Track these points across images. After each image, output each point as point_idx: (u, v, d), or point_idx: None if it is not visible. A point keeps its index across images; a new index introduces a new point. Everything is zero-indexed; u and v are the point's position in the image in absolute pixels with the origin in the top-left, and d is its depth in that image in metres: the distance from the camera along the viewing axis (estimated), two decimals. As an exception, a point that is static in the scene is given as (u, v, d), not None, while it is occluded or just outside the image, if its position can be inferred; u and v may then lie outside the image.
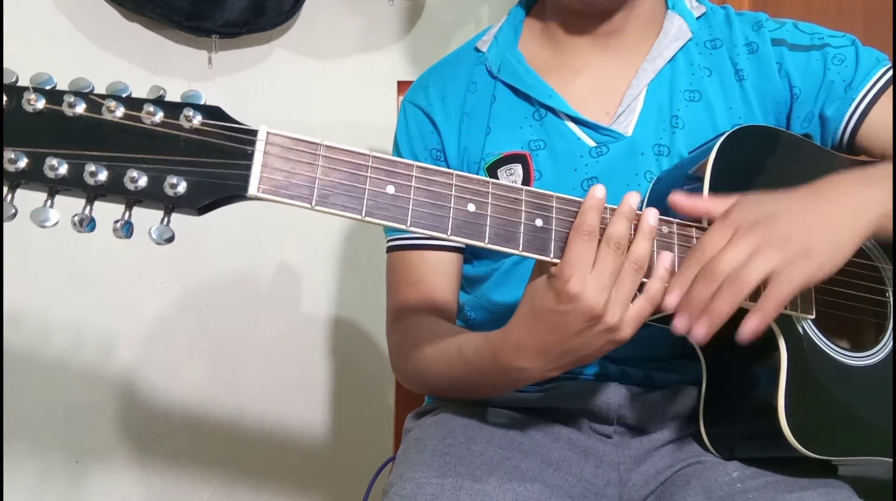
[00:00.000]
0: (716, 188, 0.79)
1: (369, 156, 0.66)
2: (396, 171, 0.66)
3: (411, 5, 1.70)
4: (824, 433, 0.80)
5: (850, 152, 0.96)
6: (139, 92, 0.63)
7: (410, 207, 0.66)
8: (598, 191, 0.70)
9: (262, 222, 1.53)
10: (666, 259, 0.72)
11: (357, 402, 1.71)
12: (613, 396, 0.90)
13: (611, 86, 0.96)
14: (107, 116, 0.59)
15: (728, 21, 0.98)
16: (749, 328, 0.71)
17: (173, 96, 0.63)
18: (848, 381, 0.83)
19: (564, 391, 0.92)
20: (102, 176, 0.58)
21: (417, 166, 0.67)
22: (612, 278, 0.69)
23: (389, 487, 0.82)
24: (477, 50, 1.03)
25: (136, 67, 1.44)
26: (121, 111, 0.59)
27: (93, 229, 0.60)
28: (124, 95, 0.60)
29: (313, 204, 0.63)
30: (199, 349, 1.55)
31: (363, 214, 0.65)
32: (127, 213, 0.61)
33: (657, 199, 0.87)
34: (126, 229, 0.61)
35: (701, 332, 0.71)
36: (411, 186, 0.66)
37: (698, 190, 0.80)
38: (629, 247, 0.70)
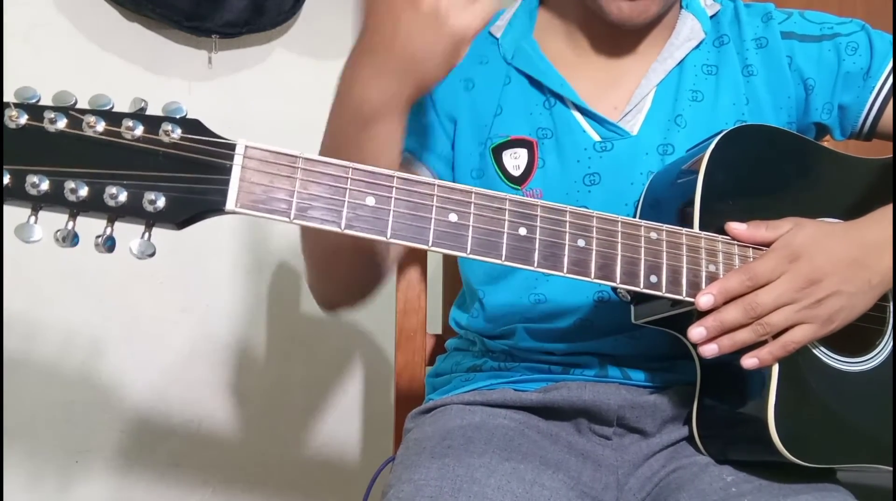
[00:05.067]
0: (710, 186, 0.80)
1: (349, 168, 0.65)
2: (377, 182, 0.66)
3: (411, 5, 1.70)
4: (816, 441, 0.79)
5: (869, 138, 0.96)
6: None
7: (391, 219, 0.66)
8: None
9: (262, 222, 1.53)
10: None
11: (357, 402, 1.70)
12: (613, 396, 0.90)
13: (622, 82, 0.96)
14: (87, 131, 0.58)
15: (736, 16, 0.98)
16: (753, 364, 0.76)
17: (158, 104, 0.63)
18: (842, 387, 0.82)
19: (564, 391, 0.91)
20: (83, 192, 0.58)
21: (398, 177, 0.66)
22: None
23: (388, 488, 0.82)
24: (491, 35, 1.01)
25: (136, 67, 1.44)
26: (101, 126, 0.59)
27: (76, 243, 0.60)
28: (106, 108, 0.60)
29: (291, 218, 0.63)
30: (199, 349, 1.55)
31: (342, 226, 0.64)
32: (109, 228, 0.61)
33: (653, 196, 0.88)
34: (108, 244, 0.61)
35: (712, 351, 0.75)
36: (391, 197, 0.66)
37: (691, 186, 0.81)
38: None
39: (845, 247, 0.78)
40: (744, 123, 0.88)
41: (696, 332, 0.75)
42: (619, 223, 0.74)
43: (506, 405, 0.93)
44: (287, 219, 0.63)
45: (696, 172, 0.81)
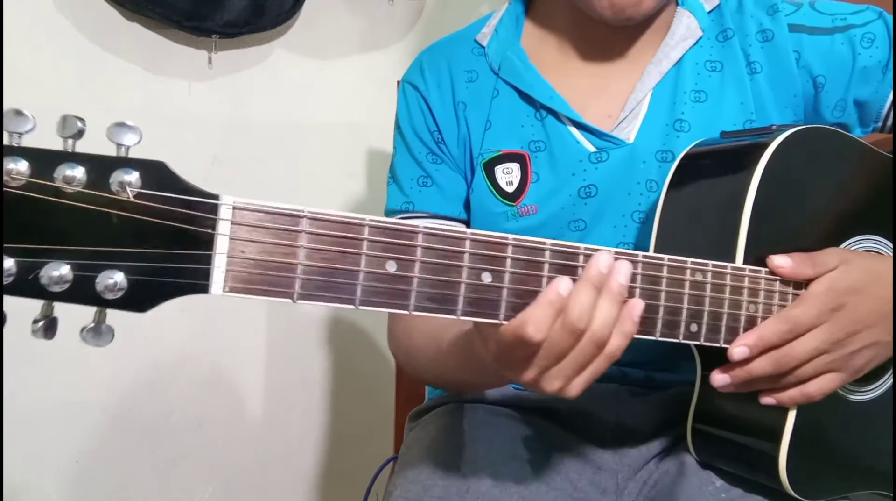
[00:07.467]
0: (758, 212, 0.73)
1: (365, 225, 0.52)
2: (399, 242, 0.54)
3: (411, 5, 1.70)
4: (822, 479, 0.77)
5: (895, 131, 0.90)
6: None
7: (414, 287, 0.54)
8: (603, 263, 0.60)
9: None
10: (637, 309, 0.62)
11: (357, 402, 1.71)
12: (612, 399, 0.90)
13: (616, 88, 0.91)
14: (12, 183, 0.41)
15: (740, 7, 0.92)
16: (770, 403, 0.73)
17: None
18: (852, 418, 0.79)
19: (563, 393, 0.91)
20: (11, 271, 0.43)
21: (424, 231, 0.55)
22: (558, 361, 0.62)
23: (394, 488, 0.82)
24: (476, 43, 0.98)
25: (136, 67, 1.44)
26: (24, 178, 0.41)
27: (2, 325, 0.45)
28: (26, 143, 0.41)
29: (295, 299, 0.51)
30: (199, 348, 1.55)
31: (357, 303, 0.53)
32: (48, 309, 0.46)
33: (678, 204, 0.80)
34: (47, 332, 0.46)
35: (730, 390, 0.73)
36: (416, 260, 0.54)
37: (735, 213, 0.74)
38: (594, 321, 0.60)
39: (890, 293, 0.74)
40: (794, 131, 0.76)
41: (720, 378, 0.72)
42: (665, 268, 0.66)
43: (505, 404, 0.93)
44: (290, 300, 0.51)
45: (743, 194, 0.73)
